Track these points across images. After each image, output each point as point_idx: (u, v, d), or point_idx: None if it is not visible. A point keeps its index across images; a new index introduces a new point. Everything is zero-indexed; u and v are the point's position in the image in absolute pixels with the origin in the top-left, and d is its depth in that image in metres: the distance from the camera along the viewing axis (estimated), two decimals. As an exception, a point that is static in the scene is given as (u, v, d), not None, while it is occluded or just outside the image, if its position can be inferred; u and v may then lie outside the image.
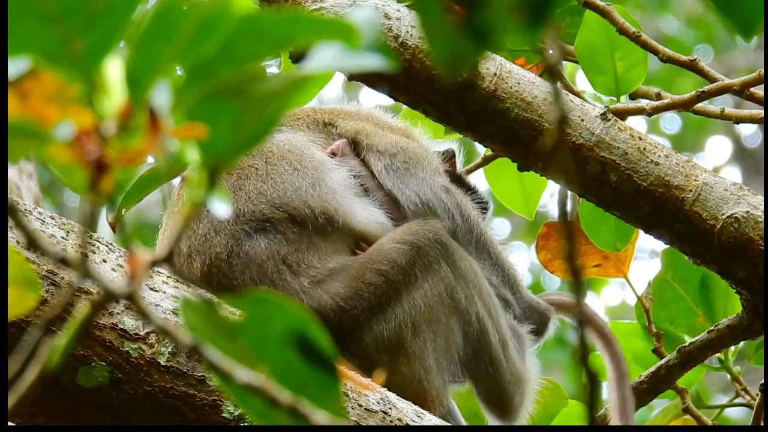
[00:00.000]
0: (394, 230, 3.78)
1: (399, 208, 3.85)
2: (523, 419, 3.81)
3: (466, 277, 3.73)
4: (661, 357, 3.98)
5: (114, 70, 1.61)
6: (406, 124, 4.17)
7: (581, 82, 4.31)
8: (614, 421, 3.75)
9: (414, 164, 3.93)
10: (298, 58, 3.77)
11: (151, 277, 3.29)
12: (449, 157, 4.20)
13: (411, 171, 3.91)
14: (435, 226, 3.77)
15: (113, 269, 3.26)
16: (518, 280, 4.00)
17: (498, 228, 4.43)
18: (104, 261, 3.27)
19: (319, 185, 3.71)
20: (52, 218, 3.31)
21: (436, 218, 3.83)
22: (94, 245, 3.29)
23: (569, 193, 3.78)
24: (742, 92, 3.90)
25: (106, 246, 3.31)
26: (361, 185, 3.84)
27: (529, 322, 4.01)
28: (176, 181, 4.02)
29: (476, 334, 3.70)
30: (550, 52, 1.70)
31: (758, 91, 3.92)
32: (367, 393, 3.37)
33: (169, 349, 3.21)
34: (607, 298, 12.22)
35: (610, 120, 3.76)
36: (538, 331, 4.04)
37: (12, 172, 5.39)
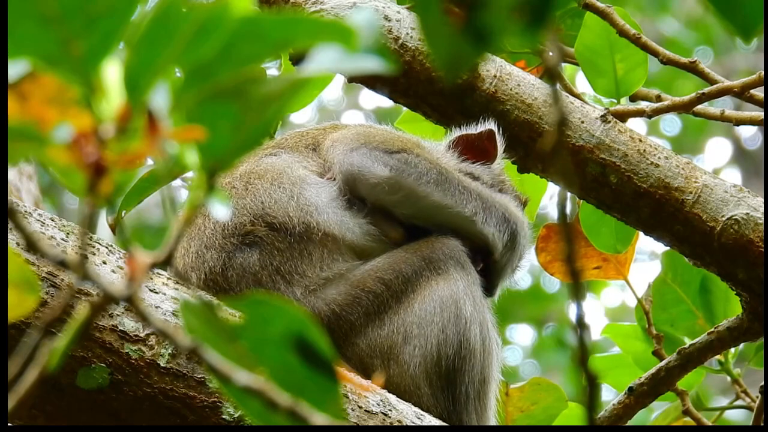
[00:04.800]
0: (411, 243, 3.76)
1: (386, 220, 3.81)
2: None
3: (475, 298, 3.71)
4: (661, 359, 3.98)
5: (113, 72, 1.61)
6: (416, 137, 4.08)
7: (581, 84, 4.31)
8: None
9: (361, 143, 3.84)
10: (298, 60, 3.77)
11: (151, 278, 3.29)
12: (465, 140, 3.99)
13: (355, 147, 3.83)
14: (454, 243, 3.76)
15: (113, 271, 3.26)
16: (487, 200, 3.89)
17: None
18: (104, 263, 3.27)
19: (297, 198, 3.71)
20: (52, 220, 3.31)
21: (370, 180, 3.75)
22: (93, 247, 3.29)
23: (569, 195, 3.78)
24: (742, 94, 3.90)
25: (106, 248, 3.31)
26: (350, 202, 3.79)
27: (504, 236, 3.89)
28: (176, 183, 4.02)
29: (465, 355, 3.68)
30: (550, 54, 1.70)
31: (758, 93, 3.92)
32: (366, 395, 3.37)
33: (169, 351, 3.21)
34: (607, 300, 12.23)
35: (610, 122, 3.76)
36: (512, 245, 3.92)
37: (12, 174, 5.39)
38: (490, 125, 3.79)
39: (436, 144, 4.05)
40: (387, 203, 3.77)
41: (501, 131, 3.80)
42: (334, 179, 3.81)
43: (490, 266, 3.92)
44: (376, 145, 3.81)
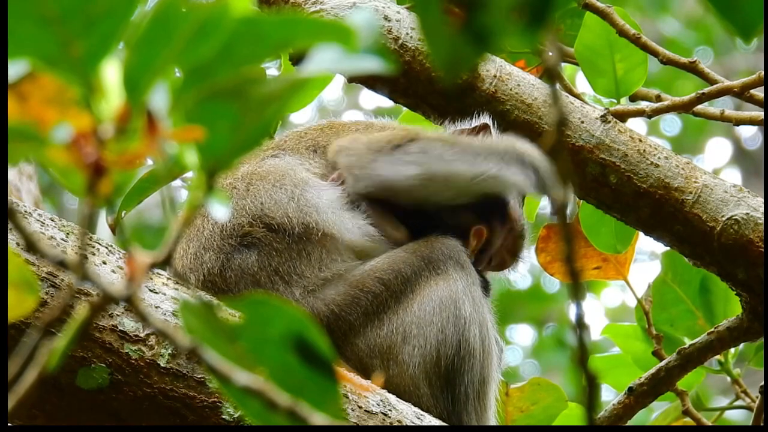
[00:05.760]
0: (410, 243, 3.76)
1: (389, 220, 3.81)
2: None
3: (474, 298, 3.71)
4: (661, 359, 3.98)
5: (112, 72, 1.61)
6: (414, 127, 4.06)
7: (581, 84, 4.31)
8: None
9: (375, 151, 3.83)
10: (297, 60, 3.77)
11: (151, 278, 3.29)
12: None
13: (371, 159, 3.82)
14: (453, 243, 3.75)
15: (113, 271, 3.26)
16: (500, 151, 3.81)
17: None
18: (104, 263, 3.27)
19: (298, 199, 3.70)
20: (52, 220, 3.31)
21: (405, 183, 3.76)
22: (93, 247, 3.29)
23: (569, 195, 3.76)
24: (741, 94, 3.90)
25: (106, 248, 3.31)
26: (351, 203, 3.79)
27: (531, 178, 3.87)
28: (175, 183, 4.01)
29: (464, 355, 3.68)
30: (550, 54, 1.70)
31: (758, 92, 3.92)
32: (366, 395, 3.37)
33: (169, 351, 3.21)
34: (607, 300, 12.23)
35: (610, 122, 3.76)
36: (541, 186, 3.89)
37: (12, 174, 5.40)
38: (485, 119, 3.79)
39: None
40: (429, 196, 3.77)
41: (497, 127, 3.80)
42: (338, 181, 3.80)
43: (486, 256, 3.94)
44: (390, 148, 3.80)
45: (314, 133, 3.99)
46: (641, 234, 3.87)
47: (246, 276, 3.64)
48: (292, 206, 3.70)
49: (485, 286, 3.87)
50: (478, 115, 3.79)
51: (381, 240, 3.76)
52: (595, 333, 4.89)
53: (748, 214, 3.68)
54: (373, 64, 1.60)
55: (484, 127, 3.86)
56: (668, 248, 3.86)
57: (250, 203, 3.71)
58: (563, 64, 4.27)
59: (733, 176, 12.53)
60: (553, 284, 11.92)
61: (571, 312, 1.64)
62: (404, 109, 4.04)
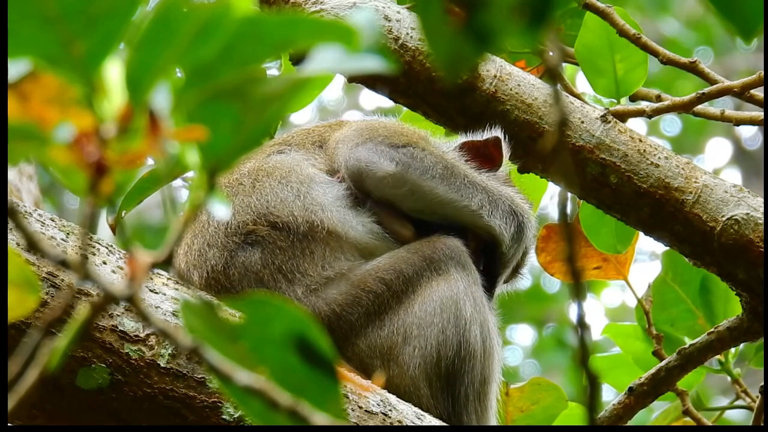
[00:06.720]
0: (413, 242, 3.76)
1: (396, 218, 3.81)
2: None
3: (475, 299, 3.71)
4: (661, 359, 3.98)
5: (114, 72, 1.61)
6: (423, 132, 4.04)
7: (581, 84, 4.31)
8: None
9: (366, 138, 3.84)
10: (298, 60, 3.77)
11: (152, 279, 3.29)
12: (473, 147, 3.96)
13: (360, 142, 3.82)
14: (455, 243, 3.75)
15: (113, 271, 3.26)
16: (494, 193, 3.86)
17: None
18: (104, 263, 3.27)
19: (304, 197, 3.70)
20: (53, 220, 3.31)
21: (376, 174, 3.75)
22: (94, 247, 3.29)
23: (569, 195, 3.77)
24: (742, 94, 3.90)
25: (107, 248, 3.31)
26: (356, 200, 3.78)
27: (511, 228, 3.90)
28: (176, 183, 4.01)
29: (465, 356, 3.67)
30: (551, 54, 1.70)
31: (758, 92, 3.92)
32: (367, 395, 3.37)
33: (169, 351, 3.22)
34: (607, 300, 12.23)
35: (610, 122, 3.76)
36: (518, 237, 3.93)
37: (12, 174, 5.39)
38: (497, 132, 3.79)
39: (442, 143, 4.03)
40: (393, 198, 3.77)
41: (504, 134, 3.79)
42: (343, 180, 3.80)
43: (495, 259, 3.91)
44: (381, 140, 3.80)
45: (322, 129, 3.99)
46: (641, 234, 3.87)
47: (249, 274, 3.64)
48: (297, 204, 3.69)
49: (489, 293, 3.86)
50: (491, 127, 3.78)
51: (386, 238, 3.76)
52: (596, 333, 4.90)
53: (748, 214, 3.68)
54: (373, 64, 1.60)
55: (496, 140, 3.84)
56: (668, 248, 3.86)
57: (255, 201, 3.70)
58: (563, 64, 4.27)
59: (733, 176, 12.53)
60: (553, 284, 11.93)
61: (572, 312, 1.64)
62: (404, 109, 4.04)
